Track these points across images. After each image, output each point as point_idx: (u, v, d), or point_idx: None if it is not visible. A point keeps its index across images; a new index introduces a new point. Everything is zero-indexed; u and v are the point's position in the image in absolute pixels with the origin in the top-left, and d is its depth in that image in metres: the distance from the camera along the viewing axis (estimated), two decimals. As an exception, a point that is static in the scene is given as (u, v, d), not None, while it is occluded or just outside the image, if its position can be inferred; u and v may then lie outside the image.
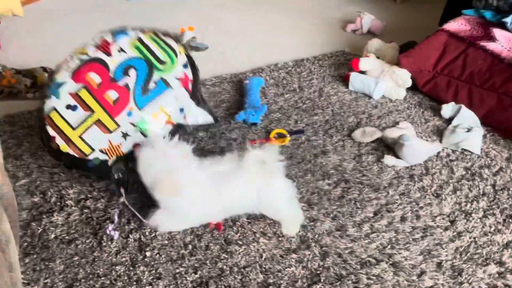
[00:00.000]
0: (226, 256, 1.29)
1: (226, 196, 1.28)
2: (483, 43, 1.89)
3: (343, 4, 3.22)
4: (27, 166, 1.56)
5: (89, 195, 1.45)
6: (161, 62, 1.44)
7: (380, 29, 2.70)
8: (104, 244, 1.29)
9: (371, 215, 1.47)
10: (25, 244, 1.28)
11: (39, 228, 1.33)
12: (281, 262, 1.29)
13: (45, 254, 1.25)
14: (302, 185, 1.57)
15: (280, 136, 1.81)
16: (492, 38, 1.92)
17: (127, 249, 1.29)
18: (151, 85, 1.40)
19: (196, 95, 1.52)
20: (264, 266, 1.28)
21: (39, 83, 1.98)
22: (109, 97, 1.36)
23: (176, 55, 1.49)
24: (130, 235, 1.32)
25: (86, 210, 1.40)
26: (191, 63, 1.53)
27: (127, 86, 1.38)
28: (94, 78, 1.36)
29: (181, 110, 1.49)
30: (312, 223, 1.42)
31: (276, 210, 1.35)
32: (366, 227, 1.43)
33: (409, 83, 2.06)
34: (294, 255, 1.32)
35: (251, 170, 1.26)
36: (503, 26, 2.02)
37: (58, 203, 1.42)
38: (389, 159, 1.69)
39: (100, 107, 1.36)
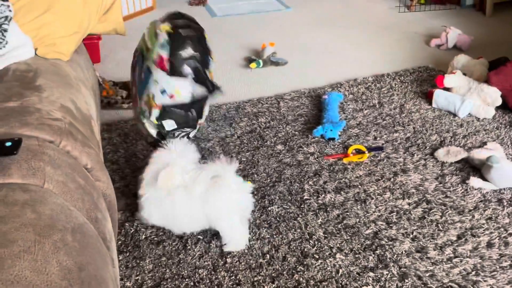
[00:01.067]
0: (303, 269, 1.32)
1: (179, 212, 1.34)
2: None
3: (427, 19, 3.13)
4: (122, 171, 1.71)
5: (175, 201, 1.56)
6: (148, 49, 1.47)
7: (467, 44, 2.58)
8: (188, 247, 1.38)
9: (454, 238, 1.42)
10: (119, 242, 1.41)
11: (132, 228, 1.46)
12: (358, 279, 1.29)
13: (137, 253, 1.37)
14: (380, 203, 1.56)
15: (359, 152, 1.80)
16: None
17: (209, 253, 1.36)
18: (142, 74, 1.48)
19: (175, 71, 1.46)
20: (340, 281, 1.28)
21: (133, 95, 2.17)
22: None
23: (156, 37, 1.45)
24: (212, 241, 1.40)
25: (172, 215, 1.50)
26: (173, 40, 1.44)
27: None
28: None
29: (163, 91, 1.47)
30: (390, 243, 1.40)
31: (217, 224, 1.35)
32: (449, 250, 1.37)
33: (499, 101, 1.96)
34: (371, 274, 1.30)
35: (200, 185, 1.30)
36: None
37: (148, 207, 1.54)
38: (475, 181, 1.61)
39: None
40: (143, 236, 1.42)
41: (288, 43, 2.78)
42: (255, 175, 1.69)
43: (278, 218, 1.50)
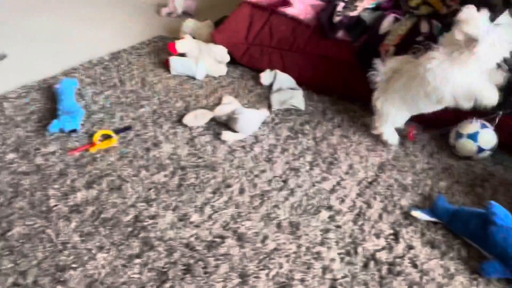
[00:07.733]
0: (61, 287, 1.15)
1: None
2: (282, 9, 2.01)
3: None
4: None
5: None
6: None
7: (193, 8, 2.69)
8: None
9: (211, 195, 1.47)
10: None
11: None
12: (124, 272, 1.20)
13: None
14: (137, 184, 1.49)
15: (106, 137, 1.68)
16: (288, 3, 2.05)
17: None
18: None
19: None
20: (105, 282, 1.17)
21: None
22: None
23: None
24: None
25: None
26: None
27: None
28: None
29: None
30: (153, 221, 1.36)
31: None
32: (208, 208, 1.41)
33: (227, 58, 2.10)
34: (137, 260, 1.24)
35: None
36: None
37: None
38: (227, 135, 1.70)
39: None
40: None
41: (5, 32, 2.36)
42: (-17, 198, 1.39)
43: (21, 240, 1.27)
